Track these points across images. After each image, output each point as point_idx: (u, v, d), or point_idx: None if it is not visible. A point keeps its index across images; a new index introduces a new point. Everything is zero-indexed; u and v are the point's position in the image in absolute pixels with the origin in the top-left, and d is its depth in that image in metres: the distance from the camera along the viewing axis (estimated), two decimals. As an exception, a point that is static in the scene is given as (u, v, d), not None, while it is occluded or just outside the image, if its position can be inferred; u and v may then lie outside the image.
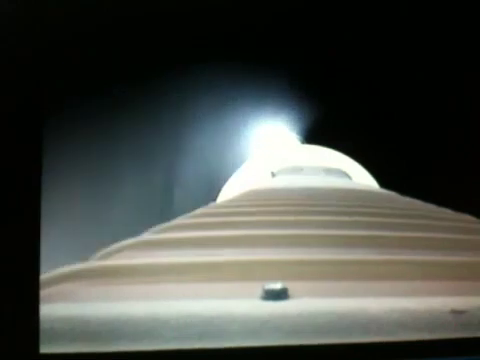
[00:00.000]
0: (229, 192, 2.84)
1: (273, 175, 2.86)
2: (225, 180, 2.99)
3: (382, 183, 2.84)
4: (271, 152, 3.27)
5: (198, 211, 1.56)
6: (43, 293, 0.72)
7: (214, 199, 2.67)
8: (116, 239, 1.16)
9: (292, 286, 0.78)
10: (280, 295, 0.76)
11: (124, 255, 1.10)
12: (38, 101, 0.70)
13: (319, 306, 0.74)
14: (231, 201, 1.93)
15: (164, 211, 1.83)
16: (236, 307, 0.74)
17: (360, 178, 2.93)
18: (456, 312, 0.72)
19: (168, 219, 1.40)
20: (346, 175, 2.92)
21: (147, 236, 1.23)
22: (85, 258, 1.07)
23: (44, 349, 0.70)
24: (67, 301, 0.84)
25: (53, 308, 0.74)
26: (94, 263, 1.03)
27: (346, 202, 1.73)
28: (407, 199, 2.03)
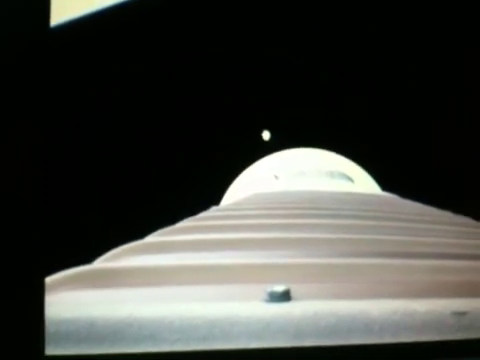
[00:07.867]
0: (233, 195, 2.85)
1: (276, 178, 2.87)
2: (228, 184, 3.00)
3: (383, 186, 2.84)
4: (274, 156, 3.28)
5: (202, 214, 1.57)
6: (48, 295, 0.72)
7: (217, 203, 2.68)
8: (121, 241, 1.17)
9: (295, 288, 0.78)
10: (283, 297, 0.77)
11: (128, 258, 1.10)
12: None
13: (322, 308, 0.74)
14: (235, 204, 1.94)
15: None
16: (239, 309, 0.75)
17: (362, 181, 2.93)
18: (458, 314, 0.73)
19: (172, 222, 1.41)
20: (348, 178, 2.93)
21: (151, 239, 1.24)
22: (90, 261, 1.07)
23: (49, 351, 0.70)
24: (72, 303, 0.85)
25: (58, 310, 0.75)
26: (99, 265, 1.04)
27: (349, 205, 1.74)
28: (408, 202, 2.04)
